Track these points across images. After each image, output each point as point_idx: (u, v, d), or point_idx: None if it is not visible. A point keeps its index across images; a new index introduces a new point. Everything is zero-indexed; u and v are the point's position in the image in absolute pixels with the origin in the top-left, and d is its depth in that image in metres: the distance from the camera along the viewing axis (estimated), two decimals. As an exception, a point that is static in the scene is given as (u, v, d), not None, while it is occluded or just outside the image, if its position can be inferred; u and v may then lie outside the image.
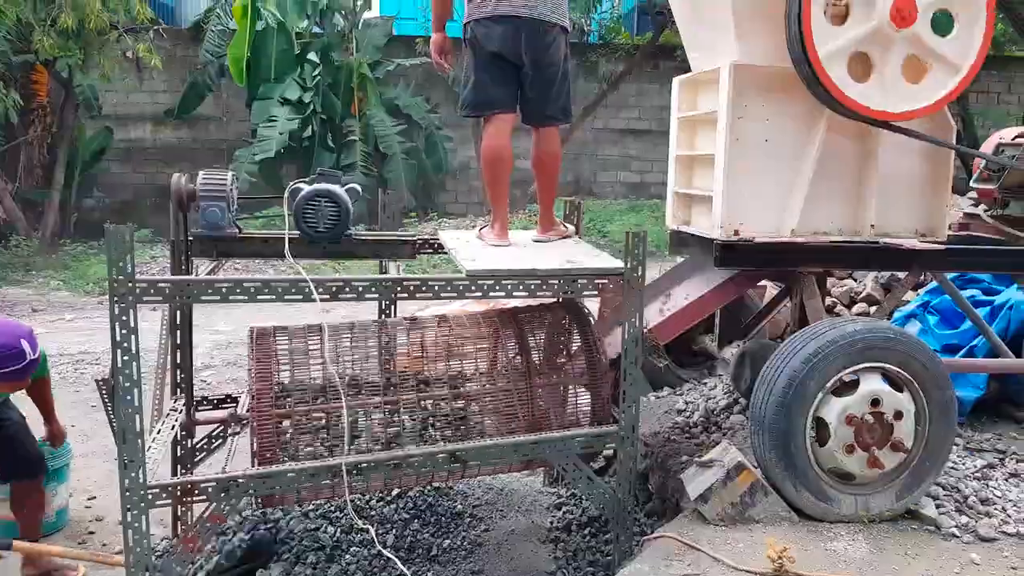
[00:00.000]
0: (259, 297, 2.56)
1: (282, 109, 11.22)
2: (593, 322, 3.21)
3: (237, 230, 2.97)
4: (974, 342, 3.93)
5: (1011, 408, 3.92)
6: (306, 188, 2.88)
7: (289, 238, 2.93)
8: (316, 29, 12.83)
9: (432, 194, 13.03)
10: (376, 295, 2.76)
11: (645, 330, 3.05)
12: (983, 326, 3.79)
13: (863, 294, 5.06)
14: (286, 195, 2.91)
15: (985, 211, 3.75)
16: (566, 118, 3.42)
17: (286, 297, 2.58)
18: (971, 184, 3.81)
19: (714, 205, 3.16)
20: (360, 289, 2.67)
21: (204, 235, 2.94)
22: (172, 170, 12.29)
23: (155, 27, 10.79)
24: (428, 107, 12.40)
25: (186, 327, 3.17)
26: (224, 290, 2.54)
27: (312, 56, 11.89)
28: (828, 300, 5.15)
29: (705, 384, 3.93)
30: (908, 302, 4.57)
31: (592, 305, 3.35)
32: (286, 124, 11.07)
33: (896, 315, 4.47)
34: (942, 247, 3.15)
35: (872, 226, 3.18)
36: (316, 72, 11.77)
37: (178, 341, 3.20)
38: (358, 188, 3.00)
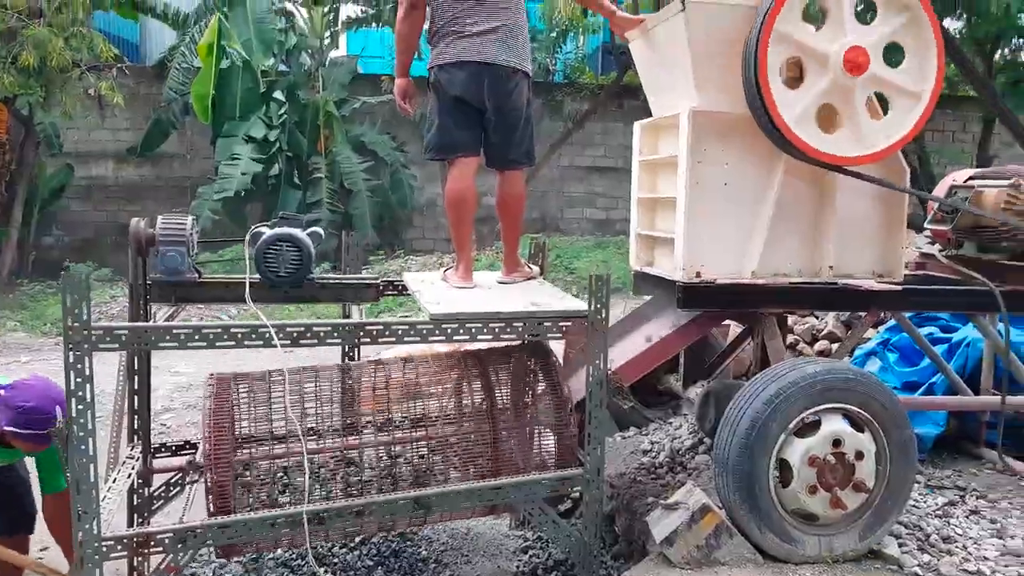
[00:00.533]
0: (218, 344, 2.52)
1: (246, 147, 11.18)
2: (558, 363, 3.21)
3: (197, 274, 2.93)
4: (933, 379, 4.01)
5: (970, 444, 3.99)
6: (267, 232, 2.85)
7: (250, 282, 2.90)
8: (282, 67, 12.87)
9: (399, 231, 13.02)
10: (338, 340, 2.74)
11: (609, 372, 3.05)
12: (941, 364, 3.87)
13: (825, 331, 5.14)
14: (247, 239, 2.88)
15: (940, 251, 3.84)
16: (529, 161, 3.46)
17: (246, 343, 2.55)
18: (926, 225, 3.90)
19: (676, 247, 3.19)
20: (322, 334, 2.65)
21: (163, 280, 2.89)
22: (134, 207, 12.14)
23: (118, 65, 10.73)
24: (394, 144, 12.45)
25: (144, 372, 3.11)
26: (182, 337, 2.50)
27: (278, 94, 11.90)
28: (791, 337, 5.21)
29: (671, 424, 3.94)
30: (869, 339, 4.65)
31: (558, 346, 3.35)
32: (250, 163, 11.03)
33: (857, 352, 4.54)
34: (899, 288, 3.21)
35: (830, 267, 3.23)
36: (282, 110, 11.77)
37: (135, 386, 3.13)
38: (320, 232, 2.99)
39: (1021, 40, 13.49)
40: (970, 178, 3.76)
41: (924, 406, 3.73)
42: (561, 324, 2.86)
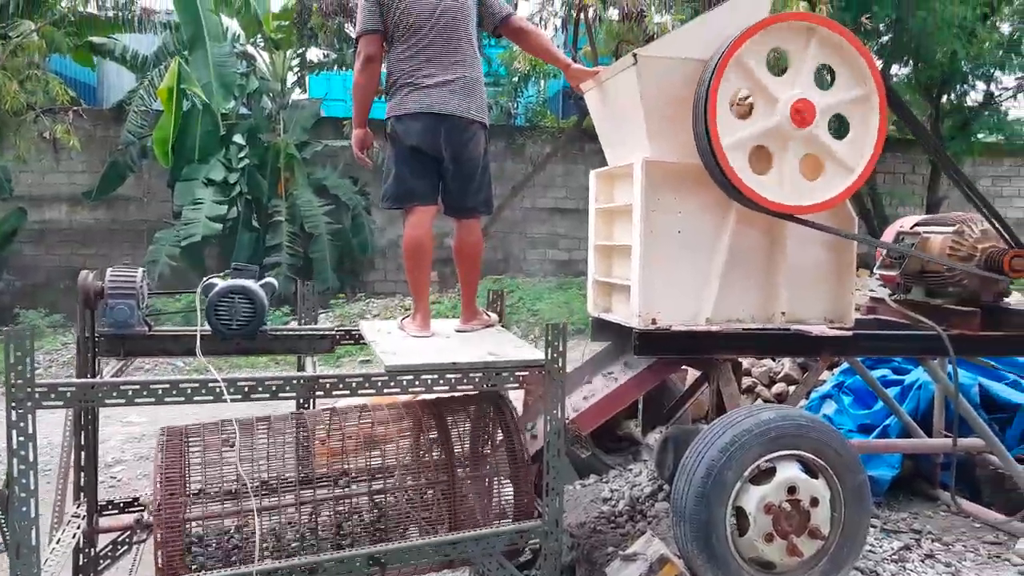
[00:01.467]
0: (167, 399, 2.47)
1: (207, 190, 11.09)
2: (516, 412, 3.20)
3: (147, 327, 2.87)
4: (887, 421, 4.07)
5: (926, 485, 4.05)
6: (220, 284, 2.82)
7: (202, 335, 2.85)
8: (244, 110, 12.84)
9: (359, 273, 12.95)
10: (292, 394, 2.69)
11: (567, 421, 3.05)
12: (894, 407, 3.93)
13: (782, 374, 5.20)
14: (199, 291, 2.84)
15: (890, 295, 3.92)
16: (487, 210, 3.48)
17: (196, 398, 2.50)
18: (875, 271, 3.99)
19: (632, 295, 3.22)
20: (274, 388, 2.61)
21: (112, 334, 2.83)
22: (88, 251, 11.88)
23: (75, 108, 10.62)
24: (356, 187, 12.44)
25: (91, 427, 3.02)
26: (130, 393, 2.45)
27: (238, 138, 11.85)
28: (748, 380, 5.27)
29: (630, 470, 3.93)
30: (825, 381, 4.72)
31: (518, 392, 3.34)
32: (212, 207, 10.93)
33: (813, 395, 4.61)
34: (849, 334, 3.27)
35: (783, 313, 3.29)
36: (242, 153, 11.71)
37: (82, 441, 3.04)
38: (274, 283, 2.96)
39: (965, 86, 14.01)
40: (916, 224, 3.87)
41: (878, 449, 3.78)
42: (518, 374, 2.86)
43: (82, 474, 3.08)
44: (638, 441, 4.17)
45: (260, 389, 2.60)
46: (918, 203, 14.68)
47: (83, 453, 3.05)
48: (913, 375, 4.28)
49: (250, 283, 2.85)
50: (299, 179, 11.92)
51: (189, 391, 2.49)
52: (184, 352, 2.91)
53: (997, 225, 3.45)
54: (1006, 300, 3.69)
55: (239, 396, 2.56)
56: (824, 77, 3.34)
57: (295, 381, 2.64)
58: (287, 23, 11.71)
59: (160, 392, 2.46)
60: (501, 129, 13.99)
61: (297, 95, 13.58)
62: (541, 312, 10.40)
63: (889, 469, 3.88)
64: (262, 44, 12.73)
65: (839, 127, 3.26)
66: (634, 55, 3.10)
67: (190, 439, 2.77)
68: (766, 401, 5.07)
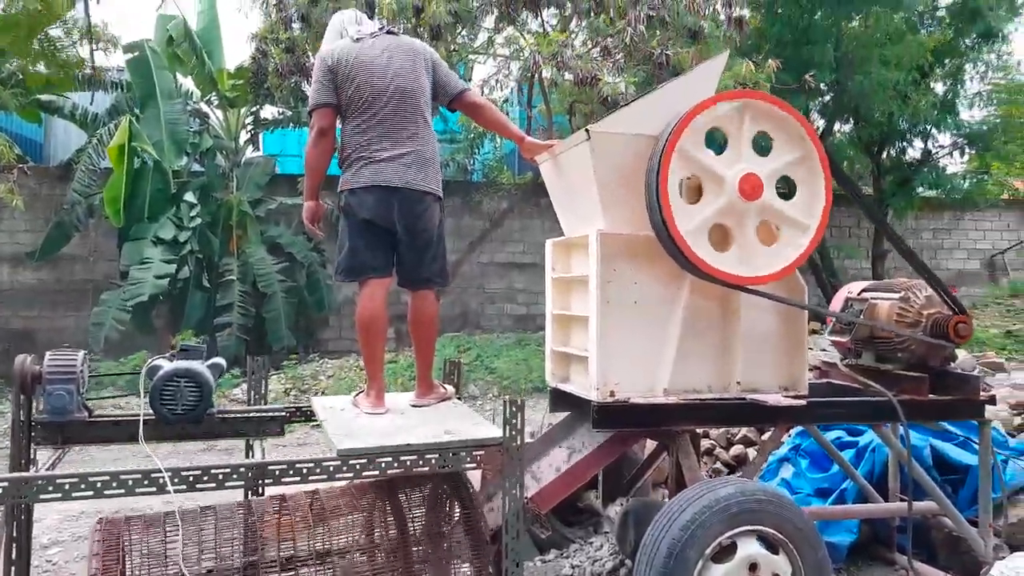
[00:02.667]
0: (107, 492, 2.36)
1: (156, 250, 10.87)
2: (474, 489, 3.12)
3: (87, 413, 2.76)
4: (844, 485, 4.08)
5: (883, 550, 4.05)
6: (165, 367, 2.73)
7: (144, 420, 2.74)
8: (196, 167, 12.71)
9: (314, 332, 12.76)
10: (239, 483, 2.59)
11: (526, 500, 2.98)
12: (850, 471, 3.95)
13: (740, 435, 5.20)
14: (143, 373, 2.74)
15: (842, 360, 3.97)
16: (442, 281, 3.45)
17: (138, 490, 2.40)
18: (826, 336, 4.04)
19: (590, 367, 3.20)
20: (220, 477, 2.52)
21: (49, 421, 2.71)
22: (31, 312, 11.50)
23: (20, 166, 10.39)
24: (311, 245, 12.33)
25: (25, 519, 2.86)
26: (67, 487, 2.34)
27: (189, 196, 11.69)
28: (707, 442, 5.26)
29: (591, 543, 3.86)
30: (783, 443, 4.73)
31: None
32: (161, 266, 10.71)
33: (771, 458, 4.61)
34: (803, 403, 3.28)
35: (738, 383, 3.29)
36: (193, 211, 11.55)
37: (15, 532, 2.88)
38: (222, 363, 2.88)
39: (904, 143, 14.56)
40: (864, 290, 3.94)
41: (836, 516, 3.78)
42: (476, 453, 2.80)
43: (12, 569, 2.91)
44: (599, 513, 4.11)
45: (206, 479, 2.50)
46: (864, 255, 15.10)
47: (14, 546, 2.89)
48: (867, 436, 4.31)
49: (196, 365, 2.76)
50: (252, 237, 11.77)
51: (131, 483, 2.38)
52: (126, 439, 2.79)
53: (939, 292, 3.53)
54: (953, 364, 3.76)
55: (183, 486, 2.47)
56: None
57: (242, 469, 2.55)
58: (242, 81, 11.68)
59: (99, 485, 2.35)
60: (458, 185, 14.07)
61: (251, 153, 13.52)
62: (499, 370, 10.33)
63: (847, 535, 3.87)
64: (216, 102, 12.67)
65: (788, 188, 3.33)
66: (587, 131, 3.14)
67: (131, 528, 2.64)
68: (724, 464, 5.06)
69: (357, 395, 3.37)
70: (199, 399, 2.73)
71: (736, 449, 5.10)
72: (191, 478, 2.46)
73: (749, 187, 3.11)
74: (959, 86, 13.78)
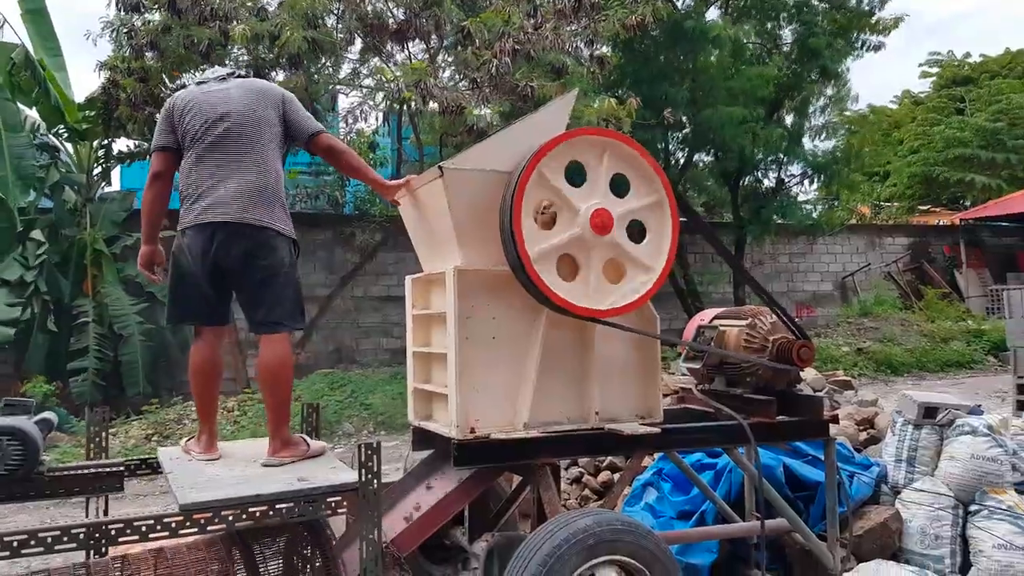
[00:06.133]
0: (-91, 570, 2.13)
1: (0, 292, 10.10)
2: (333, 536, 3.03)
3: None
4: (704, 507, 4.22)
5: (742, 567, 4.20)
6: (-15, 425, 2.51)
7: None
8: (46, 203, 11.92)
9: (176, 374, 12.15)
10: (72, 546, 2.40)
11: (386, 543, 2.92)
12: (709, 493, 4.09)
13: (607, 462, 5.31)
14: (-40, 434, 2.51)
15: (696, 386, 4.12)
16: (293, 324, 3.29)
17: (-53, 564, 2.18)
18: (680, 363, 4.19)
19: (449, 403, 3.18)
20: (49, 540, 2.32)
21: None
22: None
23: None
24: (173, 283, 11.78)
25: None
26: None
27: (37, 233, 10.94)
28: (576, 469, 5.33)
29: (459, 582, 3.81)
30: (646, 467, 4.86)
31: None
32: (6, 310, 9.94)
33: (636, 482, 4.72)
34: (659, 430, 3.38)
35: (597, 413, 3.35)
36: (40, 250, 10.81)
37: None
38: (52, 419, 2.68)
39: (758, 173, 15.50)
40: (715, 318, 4.12)
41: (695, 538, 3.90)
42: (331, 500, 2.72)
43: None
44: (466, 549, 4.06)
45: (33, 543, 2.30)
46: (727, 280, 15.87)
47: None
48: (725, 458, 4.49)
49: (22, 421, 2.55)
50: (109, 276, 11.14)
51: (-61, 556, 2.16)
52: (-62, 506, 2.54)
53: (784, 318, 3.73)
54: (800, 384, 3.98)
55: (7, 552, 2.26)
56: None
57: (73, 531, 2.36)
58: (93, 113, 11.08)
59: (-101, 562, 2.12)
60: (329, 219, 13.85)
61: (107, 188, 12.82)
62: (374, 406, 10.15)
63: (708, 555, 4.00)
64: (66, 134, 11.96)
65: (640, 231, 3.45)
66: (440, 167, 3.15)
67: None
68: (593, 491, 5.14)
69: (188, 440, 3.23)
70: (23, 458, 2.52)
71: (604, 475, 5.20)
72: (15, 543, 2.26)
73: (600, 222, 3.20)
74: (804, 119, 14.85)
